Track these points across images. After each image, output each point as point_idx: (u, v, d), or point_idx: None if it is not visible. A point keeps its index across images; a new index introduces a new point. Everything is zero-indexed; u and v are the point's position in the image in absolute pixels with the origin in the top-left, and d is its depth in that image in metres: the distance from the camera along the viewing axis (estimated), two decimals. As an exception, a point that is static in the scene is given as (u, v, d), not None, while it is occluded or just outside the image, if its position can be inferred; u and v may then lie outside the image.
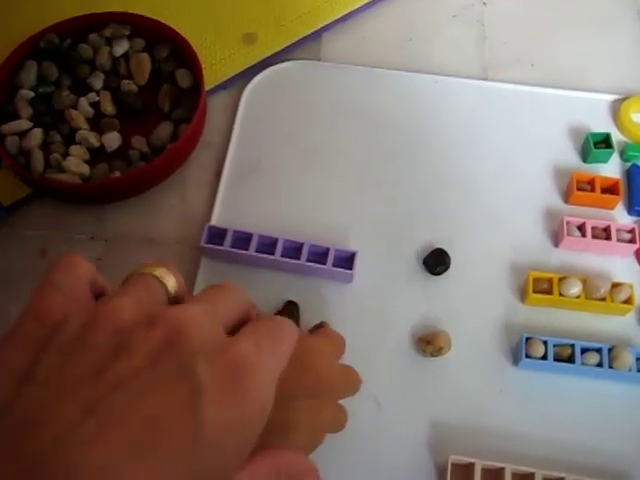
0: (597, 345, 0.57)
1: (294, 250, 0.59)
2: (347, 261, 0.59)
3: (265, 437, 0.31)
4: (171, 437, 0.27)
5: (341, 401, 0.47)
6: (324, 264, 0.59)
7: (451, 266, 0.61)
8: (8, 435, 0.26)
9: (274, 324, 0.32)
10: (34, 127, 0.66)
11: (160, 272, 0.32)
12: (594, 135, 0.67)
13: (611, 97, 0.72)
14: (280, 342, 0.32)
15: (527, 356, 0.56)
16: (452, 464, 0.52)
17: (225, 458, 0.29)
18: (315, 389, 0.42)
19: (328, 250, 0.59)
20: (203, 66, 0.68)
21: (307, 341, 0.44)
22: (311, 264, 0.59)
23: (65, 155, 0.65)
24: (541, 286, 0.60)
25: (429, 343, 0.57)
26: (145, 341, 0.28)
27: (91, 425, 0.26)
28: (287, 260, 0.59)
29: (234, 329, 0.31)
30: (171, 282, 0.33)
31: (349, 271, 0.59)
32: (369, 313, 0.59)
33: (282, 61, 0.74)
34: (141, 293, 0.31)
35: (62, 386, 0.27)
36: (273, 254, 0.59)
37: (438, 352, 0.57)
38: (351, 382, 0.48)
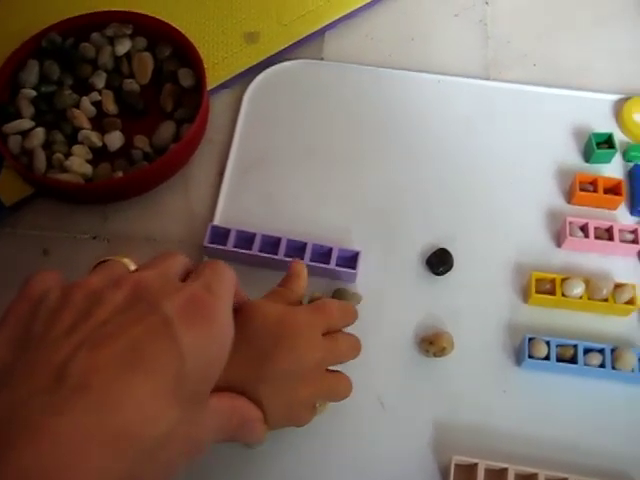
0: (600, 346, 0.57)
1: (297, 250, 0.59)
2: (350, 261, 0.59)
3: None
4: (157, 355, 0.33)
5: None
6: (327, 264, 0.58)
7: (454, 266, 0.61)
8: (22, 375, 0.32)
9: (212, 267, 0.39)
10: (36, 126, 0.66)
11: (125, 260, 0.39)
12: (597, 135, 0.67)
13: (614, 97, 0.72)
14: (222, 277, 0.39)
15: (530, 356, 0.56)
16: (455, 464, 0.52)
17: (203, 374, 0.36)
18: (292, 362, 0.45)
19: (331, 250, 0.59)
20: (205, 66, 0.68)
21: (288, 314, 0.47)
22: (315, 264, 0.59)
23: (67, 155, 0.65)
24: (544, 286, 0.60)
25: (432, 343, 0.57)
26: (114, 296, 0.35)
27: (83, 352, 0.32)
28: (291, 260, 0.58)
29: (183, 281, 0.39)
30: (133, 267, 0.39)
31: (352, 270, 0.59)
32: (372, 313, 0.59)
33: (284, 60, 0.74)
34: (107, 271, 0.38)
35: (52, 339, 0.33)
36: (276, 254, 0.59)
37: (441, 352, 0.57)
38: (337, 352, 0.50)
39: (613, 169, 0.67)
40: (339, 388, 0.51)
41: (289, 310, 0.48)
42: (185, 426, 0.35)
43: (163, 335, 0.33)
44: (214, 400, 0.39)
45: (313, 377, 0.47)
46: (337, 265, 0.59)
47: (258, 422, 0.44)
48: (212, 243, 0.60)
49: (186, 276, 0.40)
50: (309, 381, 0.47)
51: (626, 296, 0.58)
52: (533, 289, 0.59)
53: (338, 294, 0.59)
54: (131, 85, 0.69)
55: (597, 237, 0.62)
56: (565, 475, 0.52)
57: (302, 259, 0.58)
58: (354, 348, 0.52)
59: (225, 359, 0.37)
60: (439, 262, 0.61)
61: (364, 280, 0.61)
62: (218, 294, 0.37)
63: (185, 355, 0.33)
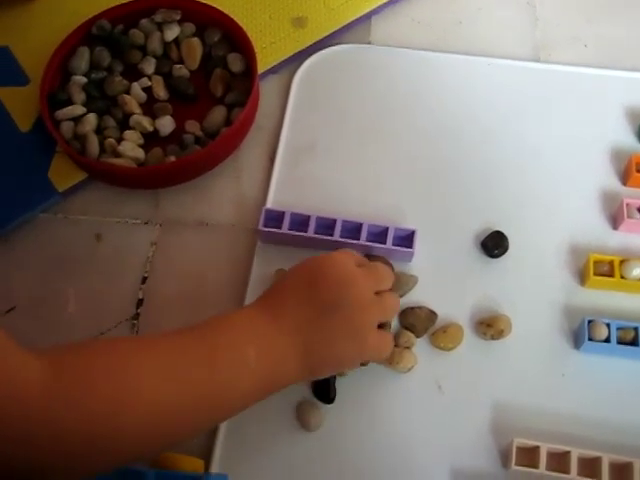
0: (662, 328, 0.55)
1: (353, 231, 0.59)
2: (406, 240, 0.59)
3: None
4: None
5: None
6: (384, 243, 0.58)
7: (509, 249, 0.61)
8: None
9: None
10: (88, 112, 0.66)
11: None
12: (652, 116, 0.66)
13: (668, 77, 0.70)
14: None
15: (590, 339, 0.55)
16: (517, 447, 0.51)
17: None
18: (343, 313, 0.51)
19: (387, 229, 0.59)
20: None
21: (346, 268, 0.52)
22: (371, 244, 0.58)
23: (119, 140, 0.65)
24: (602, 269, 0.59)
25: (489, 326, 0.56)
26: None
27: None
28: (346, 240, 0.58)
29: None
30: None
31: (409, 249, 0.58)
32: (428, 294, 0.59)
33: (332, 45, 0.74)
34: None
35: None
36: (331, 235, 0.59)
37: (499, 335, 0.56)
38: (383, 310, 0.54)
39: (670, 150, 0.66)
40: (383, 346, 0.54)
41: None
42: None
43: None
44: None
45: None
46: (393, 244, 0.58)
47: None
48: (266, 226, 0.60)
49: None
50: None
51: (687, 277, 0.57)
52: (591, 271, 0.58)
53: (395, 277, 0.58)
54: (180, 70, 0.70)
55: (655, 219, 0.61)
56: (629, 459, 0.51)
57: (358, 240, 0.58)
58: (396, 306, 0.56)
59: None
60: (494, 245, 0.60)
61: (419, 263, 0.60)
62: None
63: None
